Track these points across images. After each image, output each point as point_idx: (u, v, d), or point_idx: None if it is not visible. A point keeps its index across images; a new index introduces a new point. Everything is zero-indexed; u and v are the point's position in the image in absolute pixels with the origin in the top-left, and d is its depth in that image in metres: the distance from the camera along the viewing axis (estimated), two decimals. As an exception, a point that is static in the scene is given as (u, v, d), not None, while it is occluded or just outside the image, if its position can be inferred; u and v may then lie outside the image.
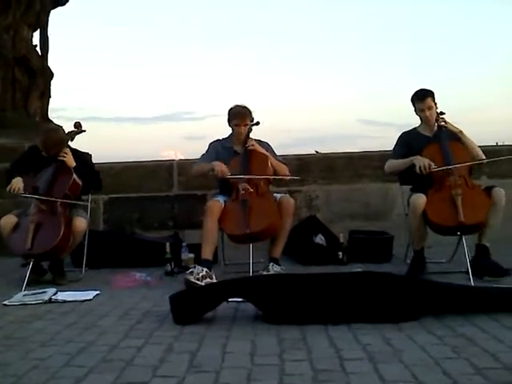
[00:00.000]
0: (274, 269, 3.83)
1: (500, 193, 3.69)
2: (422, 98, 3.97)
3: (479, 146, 3.97)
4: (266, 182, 4.08)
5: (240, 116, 4.13)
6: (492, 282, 3.39)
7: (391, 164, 4.09)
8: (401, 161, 3.99)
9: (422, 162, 3.77)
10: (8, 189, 3.98)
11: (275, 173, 4.10)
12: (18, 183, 3.98)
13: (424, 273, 3.74)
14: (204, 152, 4.27)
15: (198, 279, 3.52)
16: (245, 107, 4.18)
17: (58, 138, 4.15)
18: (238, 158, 4.09)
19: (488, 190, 3.74)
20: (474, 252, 3.76)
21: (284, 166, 4.19)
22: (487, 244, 3.76)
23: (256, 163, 4.05)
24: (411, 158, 3.88)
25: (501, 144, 5.71)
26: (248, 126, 4.12)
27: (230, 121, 4.18)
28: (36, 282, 3.85)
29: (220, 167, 3.96)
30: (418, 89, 4.02)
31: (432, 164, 3.74)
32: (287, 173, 4.19)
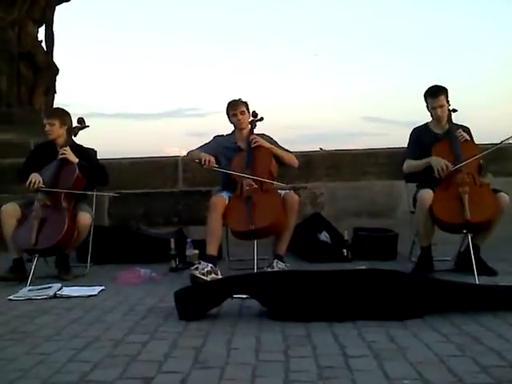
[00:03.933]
0: (279, 266, 3.82)
1: (504, 199, 3.65)
2: (435, 94, 3.91)
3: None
4: (271, 179, 4.08)
5: (233, 105, 4.19)
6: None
7: (409, 164, 4.03)
8: (418, 162, 3.93)
9: (439, 164, 3.71)
10: (28, 183, 3.96)
11: (283, 160, 4.14)
12: (37, 177, 3.99)
13: (431, 271, 3.71)
14: (206, 141, 4.28)
15: (203, 274, 3.53)
16: (238, 99, 4.23)
17: None
18: (242, 155, 4.10)
19: (494, 193, 3.68)
20: (465, 247, 3.73)
21: (291, 154, 4.23)
22: (479, 244, 3.71)
23: (260, 160, 4.05)
24: (427, 159, 3.82)
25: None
26: (245, 114, 4.17)
27: (228, 116, 4.22)
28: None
29: (208, 158, 3.97)
30: (431, 85, 3.97)
31: (449, 165, 3.69)
32: (295, 160, 4.24)
